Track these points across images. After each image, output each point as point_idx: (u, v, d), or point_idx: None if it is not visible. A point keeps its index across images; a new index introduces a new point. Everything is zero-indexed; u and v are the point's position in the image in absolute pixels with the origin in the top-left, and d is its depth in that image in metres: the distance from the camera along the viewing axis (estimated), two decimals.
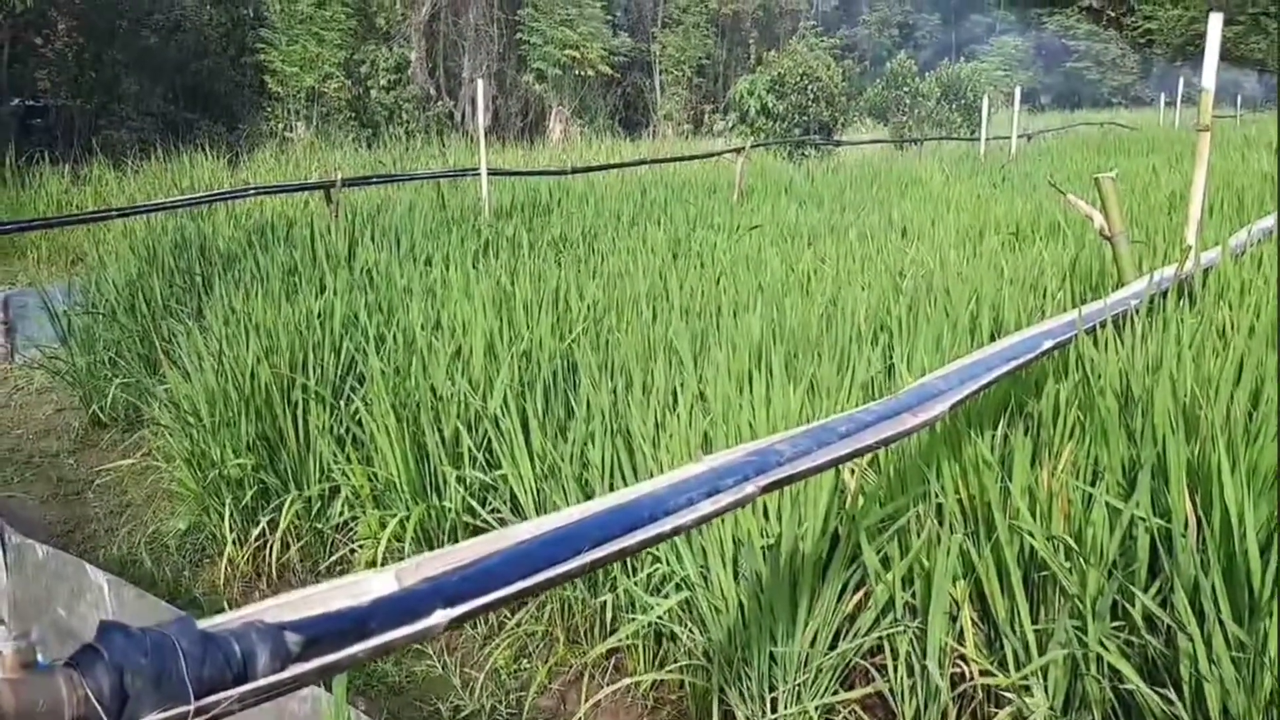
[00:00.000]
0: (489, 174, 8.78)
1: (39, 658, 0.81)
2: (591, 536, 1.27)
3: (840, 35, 38.15)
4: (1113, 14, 51.68)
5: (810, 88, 19.87)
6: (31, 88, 20.63)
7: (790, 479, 1.67)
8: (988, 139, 16.73)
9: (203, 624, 0.90)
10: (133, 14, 21.03)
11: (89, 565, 2.83)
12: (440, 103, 26.69)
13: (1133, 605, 2.39)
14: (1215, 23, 4.22)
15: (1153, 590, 2.40)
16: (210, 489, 4.13)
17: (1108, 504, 2.43)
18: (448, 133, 24.33)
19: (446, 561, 1.16)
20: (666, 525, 1.38)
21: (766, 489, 1.61)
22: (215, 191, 9.15)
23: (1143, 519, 2.39)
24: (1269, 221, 5.49)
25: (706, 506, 1.47)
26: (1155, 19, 50.37)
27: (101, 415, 5.76)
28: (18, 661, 0.76)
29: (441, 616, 1.04)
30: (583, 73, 27.96)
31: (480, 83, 9.27)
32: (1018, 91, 17.60)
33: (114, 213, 7.37)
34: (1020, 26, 49.47)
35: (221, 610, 3.08)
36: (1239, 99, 28.45)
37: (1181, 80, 26.61)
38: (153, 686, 0.83)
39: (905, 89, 22.94)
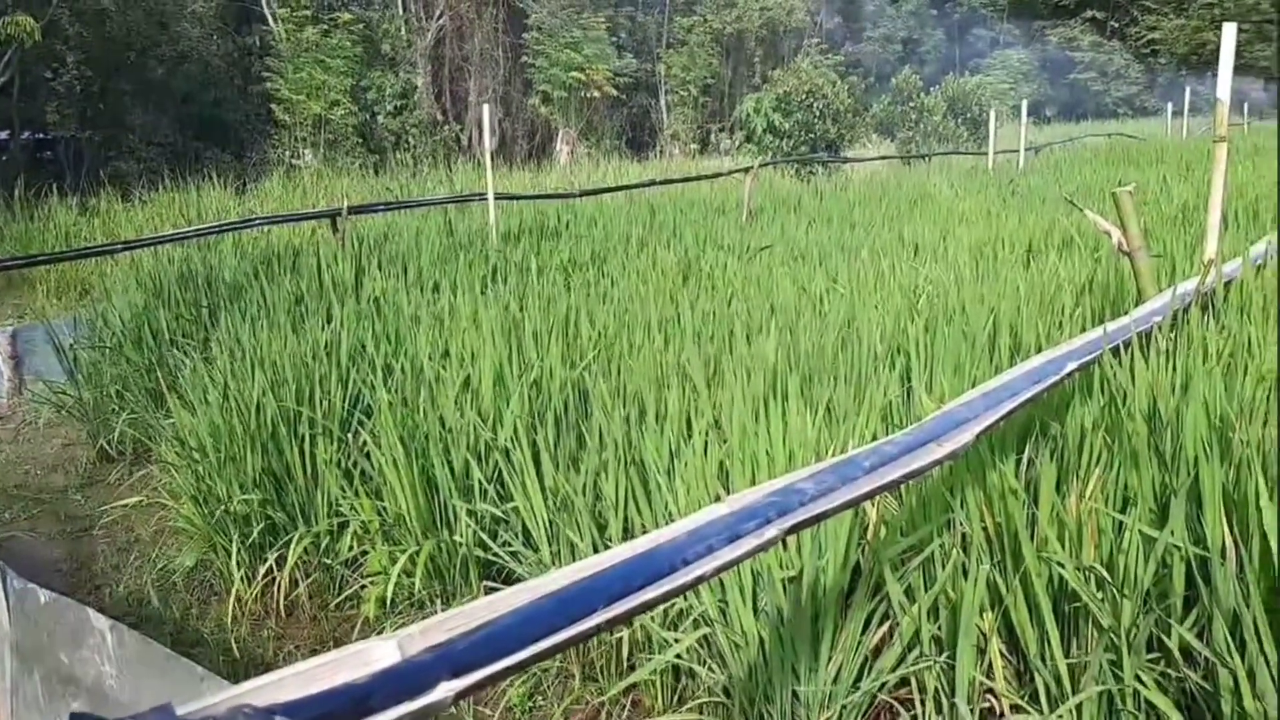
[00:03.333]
0: (496, 198, 8.74)
1: None
2: (608, 592, 1.20)
3: (844, 52, 38.16)
4: (1116, 25, 51.65)
5: (816, 105, 19.83)
6: (40, 121, 20.78)
7: (815, 519, 1.60)
8: (995, 153, 16.65)
9: (184, 710, 0.83)
10: (140, 45, 21.16)
11: (91, 611, 2.76)
12: (447, 127, 26.77)
13: (1169, 637, 2.30)
14: (1229, 33, 4.15)
15: (1189, 621, 2.31)
16: (217, 526, 4.06)
17: (1141, 532, 2.34)
18: (455, 156, 24.41)
19: (453, 625, 1.08)
20: (687, 576, 1.31)
21: (790, 530, 1.54)
22: (221, 223, 9.11)
23: (1178, 547, 2.30)
24: None
25: (728, 554, 1.40)
26: (1159, 29, 50.32)
27: (109, 450, 5.71)
28: None
29: (446, 690, 0.96)
30: (589, 94, 28.02)
31: (486, 107, 9.24)
32: (1024, 105, 17.51)
33: (119, 246, 7.33)
34: (1023, 39, 49.46)
35: (229, 650, 2.98)
36: (1245, 107, 28.32)
37: (1188, 90, 26.52)
38: None
39: (911, 104, 22.89)
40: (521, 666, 1.06)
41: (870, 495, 1.78)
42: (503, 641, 1.08)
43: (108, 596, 4.14)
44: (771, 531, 1.49)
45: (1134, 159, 15.79)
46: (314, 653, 3.65)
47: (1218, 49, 4.19)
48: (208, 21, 24.39)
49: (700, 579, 1.36)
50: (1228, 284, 4.07)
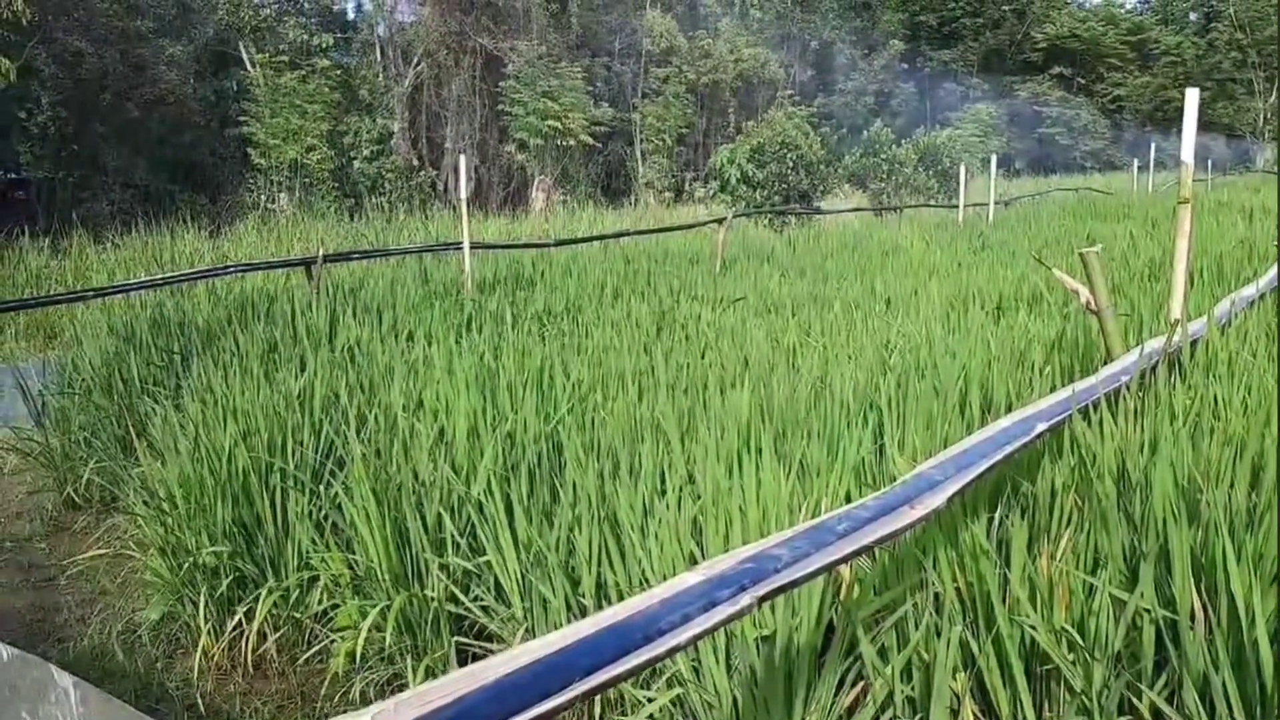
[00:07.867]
0: (471, 247, 8.76)
1: None
2: (582, 666, 1.20)
3: (817, 104, 38.75)
4: (1083, 81, 52.86)
5: (789, 156, 20.08)
6: (14, 161, 20.69)
7: (789, 585, 1.60)
8: (965, 206, 16.89)
9: None
10: (116, 87, 21.16)
11: (54, 667, 2.70)
12: (423, 172, 26.87)
13: (1140, 700, 2.31)
14: (1192, 97, 4.26)
15: (1160, 684, 2.32)
16: (184, 578, 4.01)
17: (1111, 594, 2.36)
18: (430, 202, 24.48)
19: (428, 700, 1.08)
20: (661, 647, 1.31)
21: (765, 598, 1.54)
22: (195, 270, 9.09)
23: (1147, 610, 2.32)
24: (1250, 290, 5.51)
25: (702, 623, 1.40)
26: (1124, 85, 51.60)
27: (76, 497, 5.63)
28: None
29: None
30: (564, 142, 28.22)
31: (463, 156, 9.30)
32: (993, 159, 17.82)
33: (90, 293, 7.29)
34: (993, 94, 50.44)
35: (194, 707, 2.92)
36: (1210, 163, 29.00)
37: (1153, 145, 27.10)
38: None
39: (883, 156, 23.22)
40: None
41: (844, 560, 1.79)
42: (478, 717, 1.07)
43: (71, 650, 4.06)
44: (745, 600, 1.50)
45: (1101, 214, 16.06)
46: (280, 709, 3.60)
47: (1181, 106, 4.29)
48: (185, 65, 24.46)
49: (674, 649, 1.36)
50: (1194, 343, 4.14)
